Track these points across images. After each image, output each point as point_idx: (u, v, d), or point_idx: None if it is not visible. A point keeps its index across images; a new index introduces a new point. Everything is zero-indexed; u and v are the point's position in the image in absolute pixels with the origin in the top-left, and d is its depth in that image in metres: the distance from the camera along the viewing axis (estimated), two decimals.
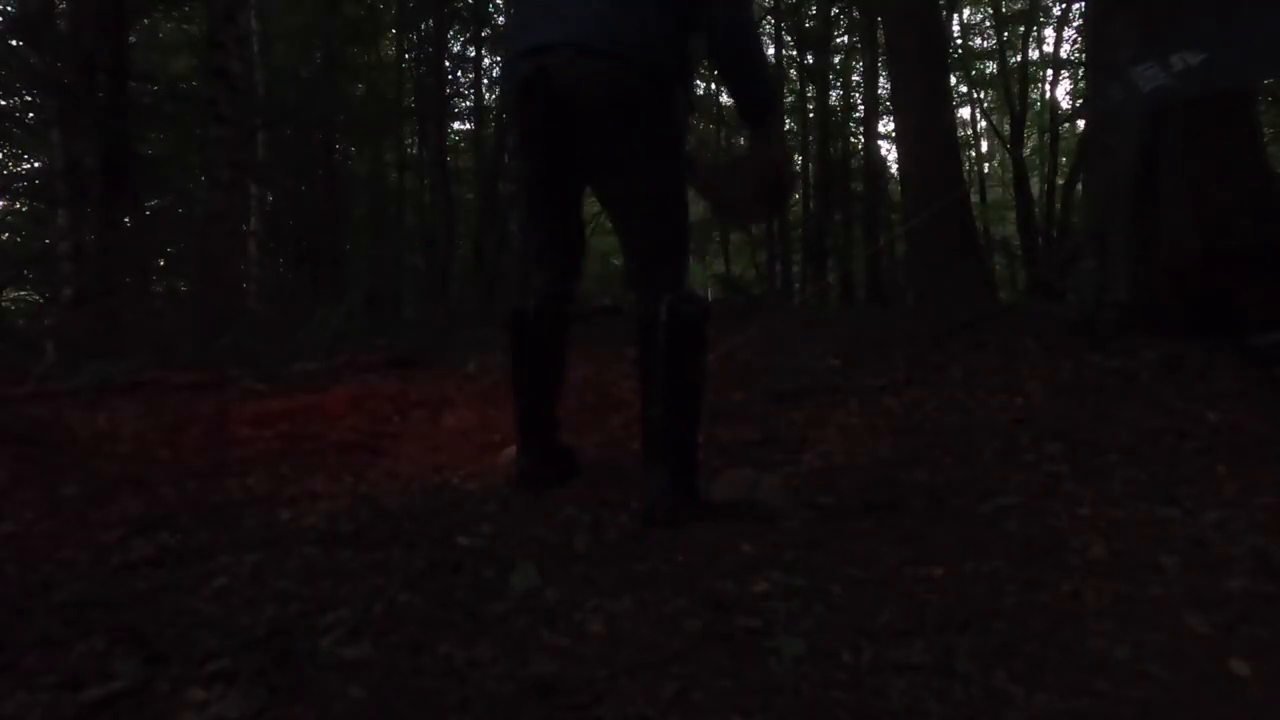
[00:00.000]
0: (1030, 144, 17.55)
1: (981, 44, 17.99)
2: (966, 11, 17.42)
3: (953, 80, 11.67)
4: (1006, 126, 16.56)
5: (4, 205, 12.41)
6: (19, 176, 11.79)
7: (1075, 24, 15.12)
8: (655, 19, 1.74)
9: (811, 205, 15.65)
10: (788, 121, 17.55)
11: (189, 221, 10.24)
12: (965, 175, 8.93)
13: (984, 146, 21.01)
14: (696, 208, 2.31)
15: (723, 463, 2.31)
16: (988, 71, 17.47)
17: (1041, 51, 17.26)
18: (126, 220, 6.97)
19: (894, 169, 15.29)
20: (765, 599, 1.33)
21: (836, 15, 15.38)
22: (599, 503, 1.95)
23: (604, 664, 1.10)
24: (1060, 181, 14.28)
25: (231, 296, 6.66)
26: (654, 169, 1.81)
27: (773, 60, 16.58)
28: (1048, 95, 18.15)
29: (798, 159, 18.00)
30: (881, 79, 13.43)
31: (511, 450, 2.49)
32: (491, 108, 14.64)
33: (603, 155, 1.80)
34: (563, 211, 1.98)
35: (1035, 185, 16.95)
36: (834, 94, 16.17)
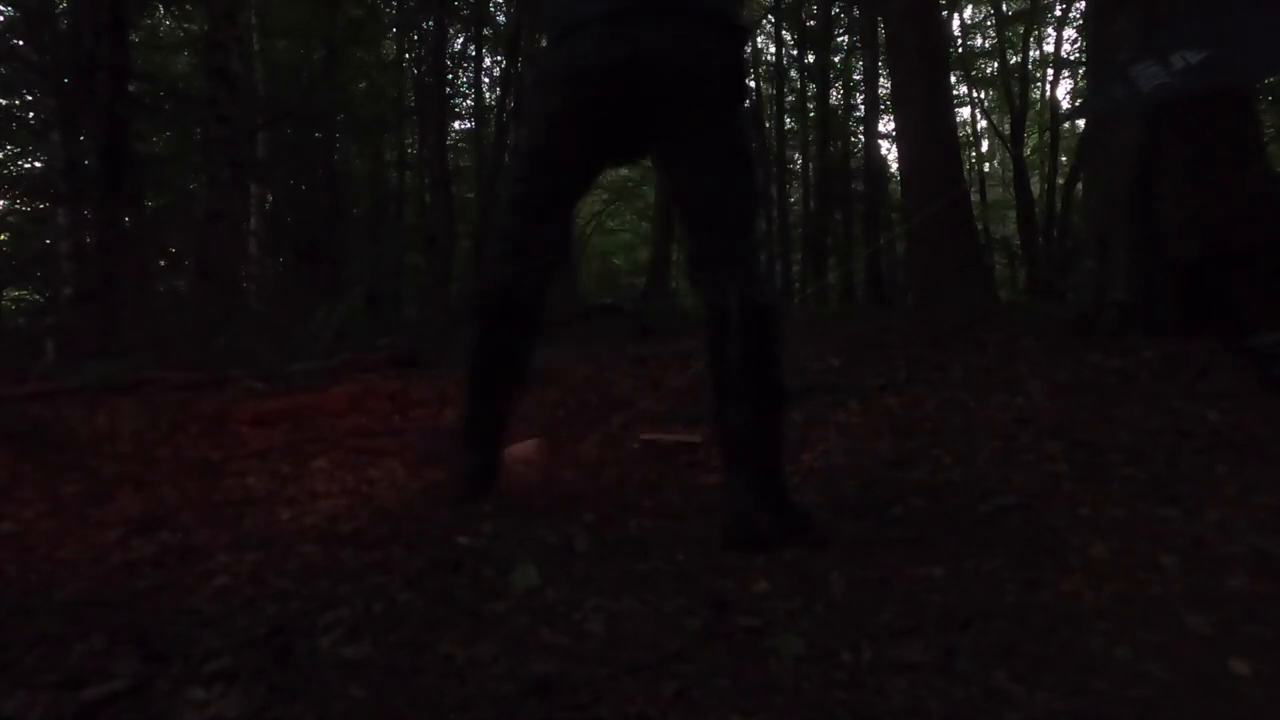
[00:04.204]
0: (1030, 144, 17.56)
1: (981, 44, 18.00)
2: (967, 11, 17.43)
3: (953, 80, 11.68)
4: (1006, 126, 16.57)
5: (4, 205, 12.41)
6: (19, 177, 11.80)
7: (1075, 24, 15.14)
8: None
9: (811, 205, 15.65)
10: (789, 120, 17.56)
11: (189, 221, 10.24)
12: (965, 175, 8.92)
13: (984, 146, 21.02)
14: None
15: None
16: (988, 71, 17.47)
17: (1041, 51, 17.29)
18: (126, 220, 6.96)
19: (894, 168, 15.30)
20: (765, 599, 1.33)
21: (837, 14, 15.38)
22: (600, 502, 1.95)
23: (604, 664, 1.10)
24: (1060, 181, 14.29)
25: (231, 296, 6.66)
26: (745, 133, 1.70)
27: (772, 59, 16.62)
28: (1048, 95, 18.17)
29: (797, 158, 18.02)
30: (882, 78, 13.43)
31: (514, 449, 2.49)
32: (492, 107, 14.65)
33: (696, 129, 1.63)
34: (572, 202, 1.85)
35: (1035, 185, 16.96)
36: (834, 93, 16.16)
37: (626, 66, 1.57)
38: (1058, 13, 15.69)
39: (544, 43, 1.65)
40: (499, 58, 15.51)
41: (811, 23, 15.78)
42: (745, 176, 1.68)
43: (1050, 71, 17.41)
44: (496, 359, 1.85)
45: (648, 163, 1.92)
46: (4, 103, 10.02)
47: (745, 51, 1.67)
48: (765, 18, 17.04)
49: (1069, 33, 15.89)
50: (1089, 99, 5.12)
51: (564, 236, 1.86)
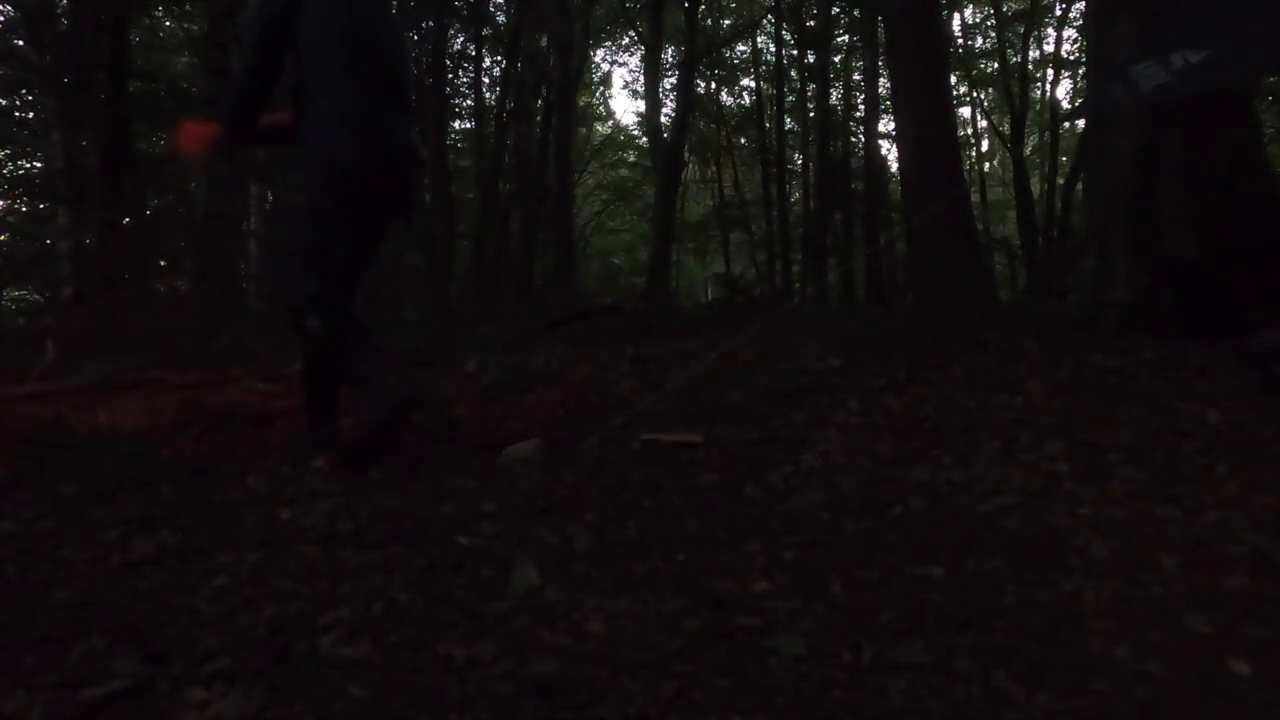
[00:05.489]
0: (1030, 144, 17.56)
1: (982, 44, 18.01)
2: (967, 11, 17.44)
3: (953, 80, 11.68)
4: (1006, 126, 16.58)
5: (4, 205, 12.40)
6: (19, 177, 11.79)
7: (1075, 24, 15.14)
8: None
9: (812, 205, 15.65)
10: (789, 120, 17.58)
11: (189, 221, 10.23)
12: (965, 175, 8.93)
13: (984, 146, 21.03)
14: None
15: (724, 462, 2.32)
16: (988, 71, 17.47)
17: (1041, 51, 17.28)
18: (126, 220, 6.96)
19: (894, 168, 15.30)
20: (765, 599, 1.33)
21: (837, 14, 15.38)
22: (600, 502, 1.95)
23: (604, 663, 1.10)
24: (1060, 181, 14.30)
25: (231, 295, 6.66)
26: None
27: (772, 59, 16.61)
28: (1048, 95, 18.17)
29: (798, 158, 18.03)
30: (882, 78, 13.42)
31: (514, 449, 2.49)
32: (492, 107, 14.66)
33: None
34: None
35: (1035, 185, 16.96)
36: (834, 93, 16.16)
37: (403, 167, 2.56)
38: (1058, 13, 15.71)
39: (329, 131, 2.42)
40: (499, 58, 15.53)
41: (811, 23, 15.78)
42: None
43: (1050, 71, 17.42)
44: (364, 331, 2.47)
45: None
46: (4, 103, 10.02)
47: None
48: (765, 18, 17.05)
49: (1069, 33, 15.90)
50: (1089, 99, 5.12)
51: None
